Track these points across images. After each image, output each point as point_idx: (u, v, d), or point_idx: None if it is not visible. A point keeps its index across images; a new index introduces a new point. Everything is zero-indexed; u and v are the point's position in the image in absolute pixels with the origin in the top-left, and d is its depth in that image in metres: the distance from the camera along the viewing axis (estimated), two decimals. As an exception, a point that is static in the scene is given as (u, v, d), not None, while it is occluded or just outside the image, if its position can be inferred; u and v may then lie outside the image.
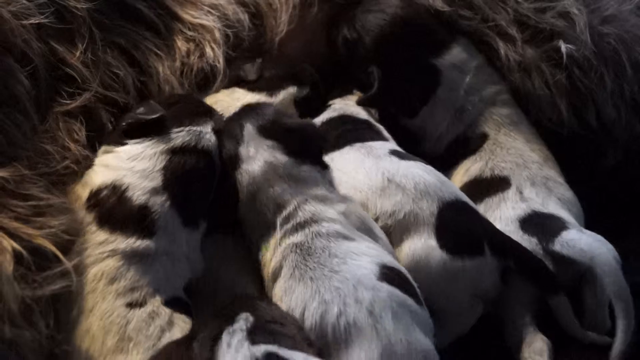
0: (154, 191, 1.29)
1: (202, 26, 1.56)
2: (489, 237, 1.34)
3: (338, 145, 1.49)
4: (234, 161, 1.35)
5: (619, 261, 1.34)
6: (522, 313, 1.34)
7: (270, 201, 1.31)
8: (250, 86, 1.56)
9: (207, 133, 1.37)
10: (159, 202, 1.28)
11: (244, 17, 1.60)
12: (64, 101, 1.38)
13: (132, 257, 1.24)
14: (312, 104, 1.60)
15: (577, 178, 1.55)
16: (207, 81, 1.56)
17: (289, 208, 1.30)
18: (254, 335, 1.10)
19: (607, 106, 1.59)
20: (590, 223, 1.47)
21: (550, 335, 1.33)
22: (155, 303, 1.22)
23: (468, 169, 1.55)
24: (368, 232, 1.32)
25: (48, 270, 1.15)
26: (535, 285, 1.34)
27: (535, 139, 1.59)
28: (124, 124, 1.35)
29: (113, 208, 1.27)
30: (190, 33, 1.55)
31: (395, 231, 1.36)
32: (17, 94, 1.29)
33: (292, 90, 1.59)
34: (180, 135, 1.35)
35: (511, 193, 1.47)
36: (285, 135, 1.36)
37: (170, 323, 1.21)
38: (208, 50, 1.56)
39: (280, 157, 1.34)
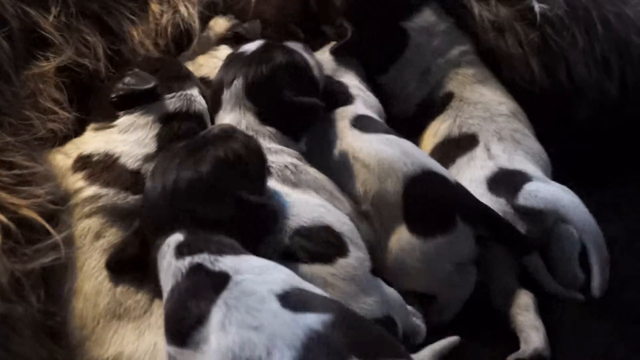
0: (147, 158, 1.29)
1: None
2: (460, 207, 1.33)
3: None
4: (214, 106, 1.39)
5: (582, 203, 1.34)
6: (505, 273, 1.36)
7: None
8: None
9: (196, 96, 1.38)
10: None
11: None
12: (41, 64, 1.36)
13: (118, 214, 1.24)
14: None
15: (548, 134, 1.56)
16: (182, 42, 1.54)
17: None
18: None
19: (579, 64, 1.61)
20: (562, 178, 1.47)
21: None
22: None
23: (437, 130, 1.56)
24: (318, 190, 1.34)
25: (38, 243, 1.14)
26: (508, 249, 1.36)
27: (502, 93, 1.61)
28: (113, 95, 1.33)
29: (104, 170, 1.27)
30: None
31: (374, 218, 1.35)
32: None
33: None
34: (172, 102, 1.35)
35: (479, 151, 1.49)
36: (265, 101, 1.37)
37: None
38: (182, 9, 1.54)
39: (249, 119, 1.36)
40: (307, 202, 1.28)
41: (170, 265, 1.11)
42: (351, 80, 1.57)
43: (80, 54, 1.40)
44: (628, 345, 1.30)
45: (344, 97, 1.52)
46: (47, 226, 1.16)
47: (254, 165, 1.23)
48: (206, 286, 1.06)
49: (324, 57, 1.58)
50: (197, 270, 1.08)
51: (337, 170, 1.39)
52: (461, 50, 1.63)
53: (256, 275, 1.07)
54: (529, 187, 1.37)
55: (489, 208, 1.36)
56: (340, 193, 1.36)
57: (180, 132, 1.33)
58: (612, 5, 1.63)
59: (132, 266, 1.19)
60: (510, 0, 1.61)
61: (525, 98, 1.61)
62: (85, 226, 1.22)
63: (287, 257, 1.20)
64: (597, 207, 1.37)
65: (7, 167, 1.19)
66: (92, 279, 1.19)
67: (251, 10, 1.64)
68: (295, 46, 1.47)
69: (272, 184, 1.29)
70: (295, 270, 1.16)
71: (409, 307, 1.30)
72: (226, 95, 1.38)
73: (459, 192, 1.37)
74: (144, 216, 1.19)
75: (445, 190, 1.36)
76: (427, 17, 1.63)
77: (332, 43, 1.63)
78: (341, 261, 1.22)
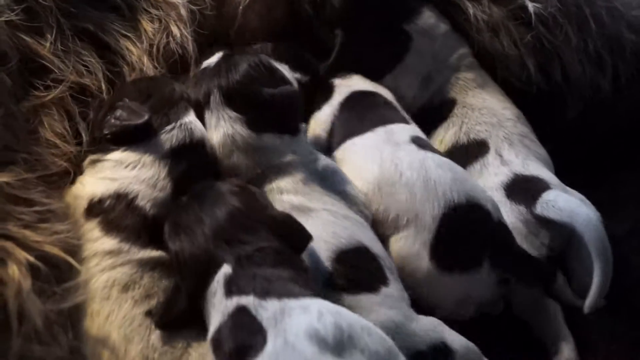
0: (164, 202, 1.25)
1: (166, 2, 1.51)
2: (492, 251, 1.29)
3: (360, 129, 1.44)
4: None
5: (599, 219, 1.33)
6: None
7: (227, 171, 1.32)
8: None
9: (195, 122, 1.34)
10: None
11: None
12: (41, 94, 1.33)
13: (146, 265, 1.21)
14: (310, 92, 1.55)
15: (542, 134, 1.56)
16: (179, 64, 1.51)
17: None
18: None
19: (573, 62, 1.61)
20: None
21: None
22: None
23: (443, 139, 1.54)
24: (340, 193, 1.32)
25: (66, 282, 1.12)
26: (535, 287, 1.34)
27: (504, 97, 1.60)
28: (106, 132, 1.29)
29: (122, 217, 1.23)
30: (154, 11, 1.50)
31: (389, 223, 1.33)
32: (1, 94, 1.24)
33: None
34: (173, 135, 1.31)
35: (491, 157, 1.47)
36: (249, 106, 1.34)
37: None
38: (174, 29, 1.51)
39: (240, 129, 1.33)
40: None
41: (220, 303, 1.10)
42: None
43: (81, 76, 1.38)
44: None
45: (400, 116, 1.50)
46: (74, 262, 1.14)
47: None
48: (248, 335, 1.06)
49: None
50: (241, 312, 1.08)
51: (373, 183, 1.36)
52: (460, 53, 1.61)
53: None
54: (547, 195, 1.36)
55: (523, 253, 1.32)
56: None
57: (191, 170, 1.30)
58: (603, 0, 1.64)
59: (184, 321, 1.16)
60: (502, 0, 1.61)
61: (519, 98, 1.61)
62: (110, 278, 1.18)
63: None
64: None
65: (28, 204, 1.16)
66: (121, 328, 1.15)
67: (238, 21, 1.61)
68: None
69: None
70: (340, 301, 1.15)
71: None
72: (207, 114, 1.35)
73: (498, 234, 1.32)
74: (186, 273, 1.17)
75: (482, 227, 1.31)
76: (427, 19, 1.60)
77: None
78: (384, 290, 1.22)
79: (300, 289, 1.10)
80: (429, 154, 1.38)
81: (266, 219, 1.19)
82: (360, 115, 1.48)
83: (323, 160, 1.36)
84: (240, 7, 1.60)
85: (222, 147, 1.33)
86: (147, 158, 1.28)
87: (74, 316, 1.13)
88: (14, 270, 1.06)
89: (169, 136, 1.30)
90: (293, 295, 1.08)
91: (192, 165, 1.30)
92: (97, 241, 1.21)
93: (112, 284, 1.18)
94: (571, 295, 1.36)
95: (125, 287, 1.18)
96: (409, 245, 1.30)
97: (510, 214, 1.36)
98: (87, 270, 1.18)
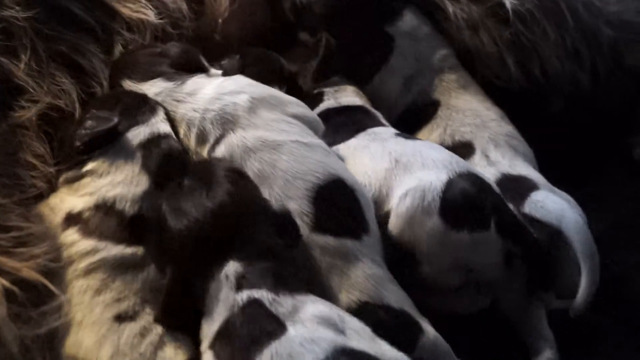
0: (145, 195, 1.26)
1: (141, 21, 1.51)
2: (498, 215, 1.29)
3: (341, 138, 1.44)
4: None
5: (586, 222, 1.34)
6: (515, 284, 1.34)
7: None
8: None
9: (161, 121, 1.34)
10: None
11: (183, 5, 1.56)
12: (17, 114, 1.33)
13: (119, 267, 1.21)
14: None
15: (523, 131, 1.56)
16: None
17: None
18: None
19: (551, 58, 1.61)
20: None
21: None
22: (147, 318, 1.20)
23: (427, 140, 1.53)
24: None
25: (43, 306, 1.12)
26: (531, 277, 1.33)
27: (485, 98, 1.60)
28: (78, 144, 1.30)
29: (101, 222, 1.24)
30: (127, 34, 1.50)
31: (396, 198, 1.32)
32: None
33: None
34: (140, 131, 1.31)
35: (477, 158, 1.47)
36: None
37: (162, 342, 1.18)
38: None
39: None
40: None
41: (227, 298, 1.12)
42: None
43: (55, 98, 1.38)
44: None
45: (380, 122, 1.51)
46: (51, 286, 1.14)
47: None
48: (261, 328, 1.08)
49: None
50: (254, 305, 1.10)
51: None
52: (442, 54, 1.62)
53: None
54: (535, 196, 1.36)
55: (529, 229, 1.32)
56: None
57: (163, 153, 1.30)
58: (580, -4, 1.65)
59: (183, 315, 1.18)
60: (480, -2, 1.62)
61: (500, 97, 1.61)
62: (84, 284, 1.19)
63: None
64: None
65: (4, 230, 1.16)
66: (92, 333, 1.16)
67: (218, 29, 1.62)
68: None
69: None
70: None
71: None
72: None
73: (501, 202, 1.32)
74: (181, 256, 1.17)
75: (488, 193, 1.31)
76: (409, 20, 1.61)
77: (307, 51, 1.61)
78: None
79: (302, 284, 1.16)
80: (417, 142, 1.41)
81: (264, 211, 1.20)
82: (341, 125, 1.48)
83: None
84: (220, 20, 1.61)
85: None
86: (119, 159, 1.28)
87: (51, 340, 1.14)
88: (-12, 296, 1.07)
89: (136, 133, 1.31)
90: (303, 291, 1.14)
91: (165, 154, 1.30)
92: (75, 244, 1.22)
93: (85, 289, 1.19)
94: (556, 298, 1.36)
95: (98, 292, 1.19)
96: (418, 200, 1.28)
97: None
98: (67, 277, 1.19)
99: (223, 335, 1.10)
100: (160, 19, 1.52)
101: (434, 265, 1.29)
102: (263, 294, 1.11)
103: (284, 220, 1.21)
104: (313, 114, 1.41)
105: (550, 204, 1.35)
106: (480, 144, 1.49)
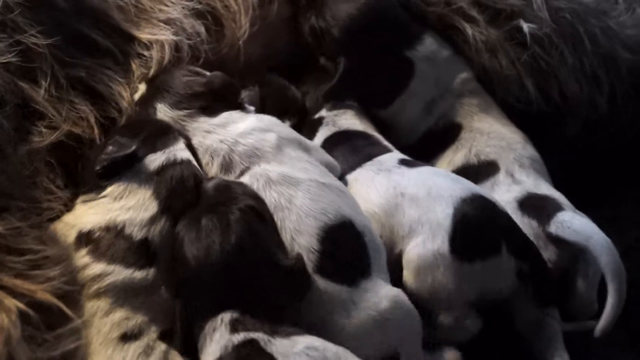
0: (152, 220, 1.28)
1: (159, 43, 1.52)
2: (508, 236, 1.32)
3: (349, 168, 1.46)
4: None
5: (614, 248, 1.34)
6: (529, 302, 1.35)
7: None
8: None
9: (180, 149, 1.37)
10: (159, 230, 1.28)
11: (201, 28, 1.56)
12: (35, 139, 1.35)
13: (128, 291, 1.23)
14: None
15: (542, 152, 1.57)
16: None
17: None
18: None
19: (570, 81, 1.62)
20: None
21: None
22: (152, 336, 1.22)
23: (451, 160, 1.55)
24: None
25: (58, 328, 1.13)
26: (536, 294, 1.34)
27: (509, 121, 1.61)
28: (98, 168, 1.32)
29: (110, 245, 1.25)
30: (146, 54, 1.51)
31: (404, 239, 1.34)
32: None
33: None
34: (157, 158, 1.34)
35: (502, 176, 1.49)
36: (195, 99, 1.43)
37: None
38: None
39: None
40: None
41: (222, 338, 1.15)
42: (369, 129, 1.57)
43: (74, 125, 1.39)
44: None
45: (383, 147, 1.52)
46: (65, 309, 1.15)
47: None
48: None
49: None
50: (248, 345, 1.13)
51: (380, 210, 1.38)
52: (463, 78, 1.63)
53: None
54: (562, 216, 1.38)
55: (536, 247, 1.34)
56: None
57: (175, 179, 1.32)
58: (597, 19, 1.65)
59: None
60: (498, 22, 1.63)
61: (519, 119, 1.62)
62: (94, 306, 1.21)
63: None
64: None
65: (19, 253, 1.17)
66: (100, 355, 1.18)
67: (242, 54, 1.62)
68: None
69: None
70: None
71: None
72: None
73: (508, 221, 1.35)
74: (187, 292, 1.22)
75: (494, 215, 1.34)
76: (429, 44, 1.62)
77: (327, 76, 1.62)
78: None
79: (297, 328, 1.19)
80: (421, 169, 1.42)
81: (273, 265, 1.22)
82: (346, 153, 1.50)
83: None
84: (240, 42, 1.62)
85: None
86: (133, 185, 1.31)
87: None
88: (3, 318, 1.08)
89: (153, 159, 1.33)
90: (300, 334, 1.17)
91: (178, 179, 1.32)
92: (86, 268, 1.24)
93: (95, 311, 1.21)
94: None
95: (106, 313, 1.21)
96: (429, 245, 1.31)
97: (520, 225, 1.37)
98: (81, 300, 1.21)
99: None
100: (179, 42, 1.53)
101: (453, 310, 1.31)
102: (259, 335, 1.14)
103: (293, 275, 1.22)
104: (332, 159, 1.45)
105: (578, 224, 1.37)
106: (504, 163, 1.51)
